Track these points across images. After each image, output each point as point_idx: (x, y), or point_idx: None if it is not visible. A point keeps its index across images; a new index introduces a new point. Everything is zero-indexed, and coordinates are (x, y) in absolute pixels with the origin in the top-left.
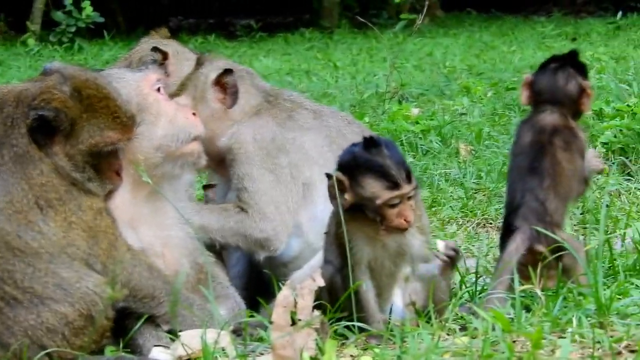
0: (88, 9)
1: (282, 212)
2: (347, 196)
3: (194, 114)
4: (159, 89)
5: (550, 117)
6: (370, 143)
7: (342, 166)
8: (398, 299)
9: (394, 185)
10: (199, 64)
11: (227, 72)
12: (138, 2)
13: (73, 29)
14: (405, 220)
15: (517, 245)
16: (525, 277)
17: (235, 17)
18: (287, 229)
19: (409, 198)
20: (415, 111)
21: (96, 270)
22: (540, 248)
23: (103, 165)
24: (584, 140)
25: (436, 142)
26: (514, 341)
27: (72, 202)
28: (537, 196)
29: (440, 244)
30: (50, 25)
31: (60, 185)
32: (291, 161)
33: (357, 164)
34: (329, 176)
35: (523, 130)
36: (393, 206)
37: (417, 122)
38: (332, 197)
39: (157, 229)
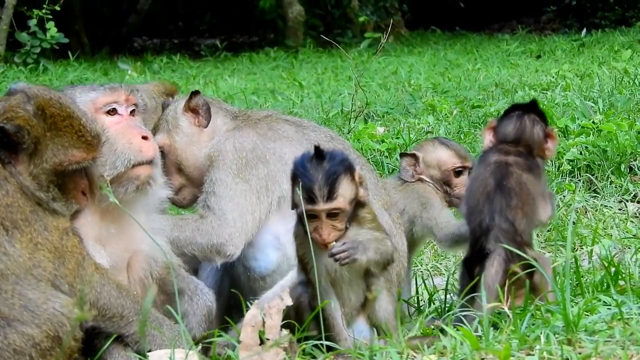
0: (52, 30)
1: (246, 221)
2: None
3: (145, 137)
4: (111, 111)
5: (513, 148)
6: (316, 153)
7: (291, 170)
8: (362, 317)
9: (309, 199)
10: (164, 106)
11: (195, 93)
12: (102, 22)
13: (38, 50)
14: (320, 237)
15: (496, 269)
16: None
17: (200, 36)
18: (245, 237)
19: (331, 217)
20: (380, 130)
21: (63, 291)
22: (515, 268)
23: (69, 184)
24: (543, 170)
25: None
26: (482, 359)
27: (38, 222)
28: (507, 217)
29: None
30: (15, 46)
31: (26, 206)
32: (269, 172)
33: (295, 170)
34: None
35: (484, 158)
36: (311, 220)
37: (383, 141)
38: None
39: (125, 244)
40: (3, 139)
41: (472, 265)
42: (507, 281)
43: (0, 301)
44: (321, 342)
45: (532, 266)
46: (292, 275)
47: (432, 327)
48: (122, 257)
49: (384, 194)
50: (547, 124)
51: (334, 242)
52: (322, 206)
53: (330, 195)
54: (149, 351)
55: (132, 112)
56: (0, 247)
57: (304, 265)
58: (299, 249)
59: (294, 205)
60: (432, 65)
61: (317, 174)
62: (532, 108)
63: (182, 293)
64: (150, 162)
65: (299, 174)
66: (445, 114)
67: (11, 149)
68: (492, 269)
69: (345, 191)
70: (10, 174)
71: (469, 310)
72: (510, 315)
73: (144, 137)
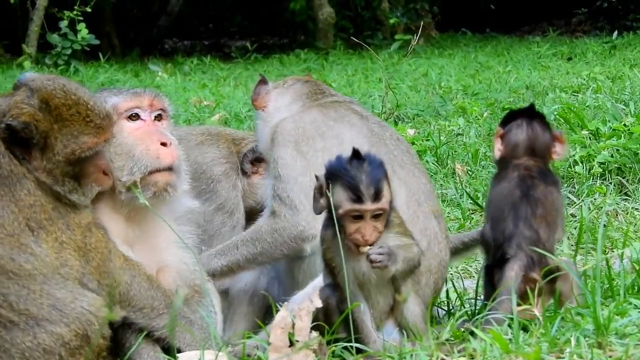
0: (83, 32)
1: (311, 197)
2: (322, 201)
3: (164, 143)
4: (133, 116)
5: (531, 161)
6: (356, 155)
7: (326, 171)
8: (391, 320)
9: (357, 198)
10: None
11: (260, 80)
12: (133, 24)
13: (68, 52)
14: (362, 237)
15: (516, 272)
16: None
17: (231, 38)
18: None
19: (375, 218)
20: (411, 132)
21: (91, 289)
22: (535, 275)
23: (88, 169)
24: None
25: (432, 163)
26: None
27: (61, 220)
28: (531, 225)
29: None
30: (46, 47)
31: (48, 204)
32: (325, 146)
33: (335, 172)
34: (316, 178)
35: (503, 175)
36: (355, 220)
37: (413, 143)
38: (315, 199)
39: (150, 252)
40: (13, 137)
41: (493, 273)
42: (527, 288)
43: (29, 301)
44: (350, 344)
45: (551, 271)
46: (320, 278)
47: (463, 329)
48: (149, 266)
49: (435, 201)
50: (550, 126)
51: (369, 246)
52: (369, 206)
53: (377, 196)
54: (179, 352)
55: (158, 118)
56: (27, 248)
57: (331, 269)
58: (326, 252)
59: (321, 209)
60: (463, 67)
61: (361, 174)
62: (534, 113)
63: (192, 324)
64: (169, 169)
65: (341, 175)
66: (476, 116)
67: (23, 146)
68: (512, 272)
69: (387, 192)
70: (27, 170)
71: (499, 313)
72: (541, 319)
73: (163, 144)
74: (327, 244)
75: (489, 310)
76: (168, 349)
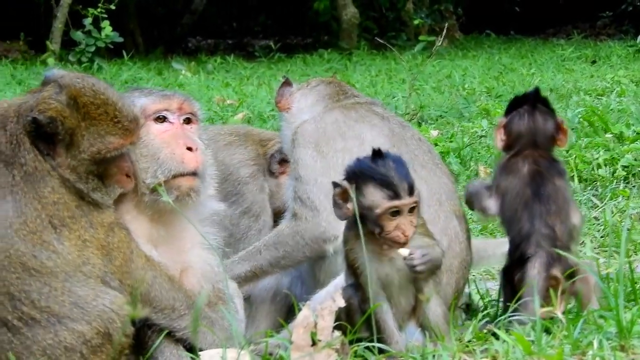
0: (107, 29)
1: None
2: (349, 206)
3: (190, 148)
4: (160, 119)
5: (537, 152)
6: (377, 154)
7: (348, 175)
8: (413, 320)
9: (394, 195)
10: None
11: (284, 82)
12: (157, 22)
13: (92, 49)
14: (402, 233)
15: (538, 269)
16: (544, 302)
17: (254, 37)
18: None
19: (410, 212)
20: (434, 133)
21: (113, 287)
22: (557, 273)
23: (111, 170)
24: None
25: (455, 164)
26: None
27: (84, 219)
28: (547, 222)
29: (404, 251)
30: (70, 44)
31: (72, 202)
32: (346, 146)
33: (361, 173)
34: (335, 185)
35: (511, 167)
36: (392, 218)
37: (436, 144)
38: (337, 206)
39: (174, 253)
40: (38, 131)
41: (512, 274)
42: (553, 288)
43: (51, 299)
44: (373, 344)
45: (573, 272)
46: (342, 277)
47: (485, 331)
48: (173, 267)
49: (457, 201)
50: (553, 110)
51: (404, 249)
52: (407, 200)
53: (412, 189)
54: (200, 350)
55: (187, 121)
56: (49, 246)
57: (353, 270)
58: (349, 254)
59: (347, 214)
60: (487, 69)
61: (391, 171)
62: (538, 98)
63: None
64: (193, 174)
65: (372, 175)
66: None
67: (48, 141)
68: (534, 270)
69: (416, 185)
70: (51, 167)
71: (521, 315)
72: (563, 320)
73: (189, 148)
74: (350, 245)
75: (512, 311)
76: (190, 348)
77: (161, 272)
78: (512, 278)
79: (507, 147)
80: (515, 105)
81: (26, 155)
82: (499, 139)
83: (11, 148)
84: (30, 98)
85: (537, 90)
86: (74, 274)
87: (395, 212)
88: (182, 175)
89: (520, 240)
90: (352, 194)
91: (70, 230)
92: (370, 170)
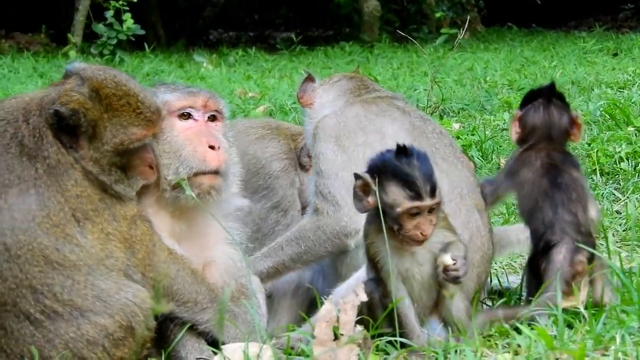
0: (129, 22)
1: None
2: (370, 199)
3: (212, 146)
4: (185, 115)
5: (551, 146)
6: (402, 151)
7: (371, 169)
8: (435, 315)
9: (416, 195)
10: None
11: (306, 77)
12: (179, 14)
13: (114, 41)
14: (421, 233)
15: (564, 255)
16: (567, 294)
17: (276, 30)
18: None
19: (430, 212)
20: (456, 126)
21: (135, 280)
22: (582, 258)
23: (134, 161)
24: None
25: (477, 157)
26: (557, 359)
27: (107, 211)
28: (570, 209)
29: (447, 259)
30: (92, 37)
31: (95, 195)
32: (367, 141)
33: (385, 169)
34: (357, 177)
35: (525, 160)
36: (412, 217)
37: (458, 137)
38: (357, 198)
39: (197, 248)
40: (61, 123)
41: (537, 264)
42: (576, 277)
43: (74, 292)
44: (395, 338)
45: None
46: (363, 270)
47: (507, 325)
48: (196, 262)
49: (478, 195)
50: (568, 104)
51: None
52: (428, 202)
53: (433, 191)
54: (222, 344)
55: (212, 119)
56: (72, 239)
57: (374, 264)
58: (370, 248)
59: (367, 207)
60: (508, 62)
61: (415, 171)
62: (553, 92)
63: (236, 317)
64: (215, 173)
65: (395, 173)
66: None
67: (71, 134)
68: (560, 256)
69: (438, 185)
70: (74, 160)
71: (544, 309)
72: (586, 315)
73: (212, 147)
74: (371, 239)
75: (536, 303)
76: (212, 342)
77: (184, 266)
78: (537, 270)
79: (522, 140)
80: (531, 98)
81: (49, 148)
82: (514, 132)
83: (34, 141)
84: (53, 91)
85: (552, 84)
86: (96, 267)
87: (416, 212)
88: (203, 173)
89: (544, 229)
90: (375, 187)
91: (93, 223)
92: (394, 168)
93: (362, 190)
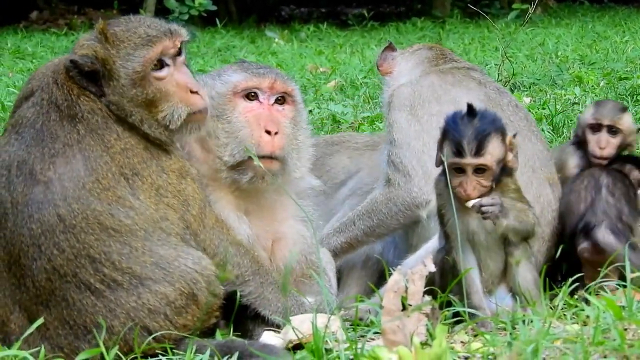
0: None
1: (424, 162)
2: (440, 154)
3: (268, 131)
4: (250, 96)
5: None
6: (469, 111)
7: (442, 126)
8: (503, 285)
9: (457, 152)
10: None
11: (387, 46)
12: None
13: (186, 17)
14: (464, 191)
15: (605, 231)
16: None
17: (347, 6)
18: (429, 178)
19: (478, 173)
20: (526, 100)
21: (192, 245)
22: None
23: (166, 87)
24: None
25: (548, 132)
26: (625, 329)
27: (154, 162)
28: (612, 192)
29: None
30: (164, 12)
31: (138, 146)
32: (441, 110)
33: (445, 127)
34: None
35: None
36: (457, 174)
37: (529, 111)
38: (439, 150)
39: (266, 224)
40: (81, 72)
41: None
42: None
43: (132, 259)
44: (462, 309)
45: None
46: (434, 241)
47: (576, 296)
48: (265, 237)
49: (552, 169)
50: None
51: (477, 199)
52: (469, 160)
53: (478, 151)
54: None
55: (280, 101)
56: (125, 201)
57: (444, 223)
58: (439, 199)
59: (439, 162)
60: (580, 37)
61: (467, 129)
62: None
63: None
64: (270, 158)
65: (449, 129)
66: (592, 86)
67: (94, 81)
68: (601, 232)
69: (493, 149)
70: (108, 109)
71: (611, 280)
72: None
73: (268, 132)
74: (438, 190)
75: (601, 277)
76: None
77: (228, 236)
78: (574, 248)
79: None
80: None
81: (80, 102)
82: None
83: (67, 101)
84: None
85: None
86: (153, 232)
87: (460, 170)
88: (259, 157)
89: (584, 209)
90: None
91: (142, 178)
92: (450, 125)
93: (439, 144)
